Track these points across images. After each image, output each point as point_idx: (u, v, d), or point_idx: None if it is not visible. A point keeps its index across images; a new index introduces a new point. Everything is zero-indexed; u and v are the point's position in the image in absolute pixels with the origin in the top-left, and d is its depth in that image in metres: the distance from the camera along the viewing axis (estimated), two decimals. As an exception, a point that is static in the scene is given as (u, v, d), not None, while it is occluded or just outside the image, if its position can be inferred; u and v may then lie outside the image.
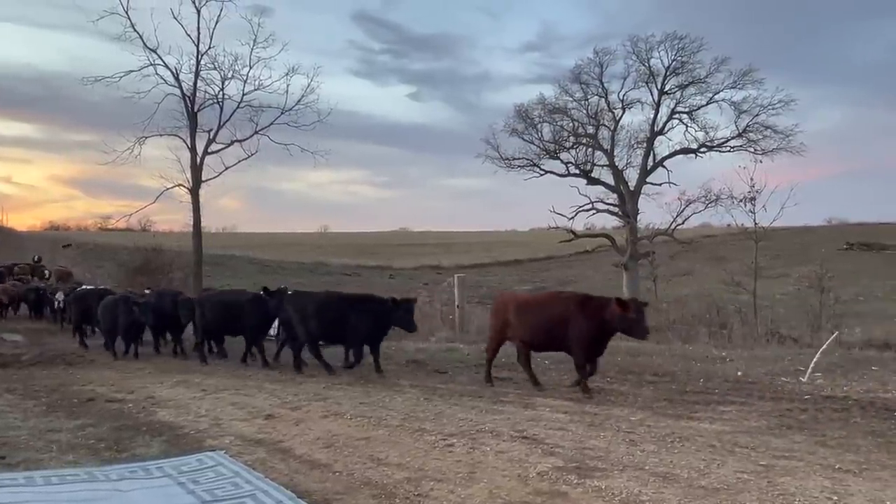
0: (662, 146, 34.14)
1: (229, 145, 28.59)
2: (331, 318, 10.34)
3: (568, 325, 8.34)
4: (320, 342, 10.75)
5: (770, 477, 4.80)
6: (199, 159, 28.08)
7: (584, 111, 34.42)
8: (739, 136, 32.59)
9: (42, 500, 4.46)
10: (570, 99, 34.51)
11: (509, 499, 4.44)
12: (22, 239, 50.90)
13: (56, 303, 17.84)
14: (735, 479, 4.76)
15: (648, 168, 33.61)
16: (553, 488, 4.63)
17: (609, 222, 37.76)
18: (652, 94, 33.75)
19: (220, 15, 27.56)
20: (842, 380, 8.95)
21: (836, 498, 4.35)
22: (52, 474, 5.04)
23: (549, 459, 5.31)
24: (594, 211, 34.20)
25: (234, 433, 6.47)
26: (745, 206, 23.80)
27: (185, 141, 28.09)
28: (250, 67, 28.12)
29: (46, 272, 28.78)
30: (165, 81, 27.47)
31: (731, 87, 32.34)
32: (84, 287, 18.19)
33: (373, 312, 10.10)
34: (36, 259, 32.54)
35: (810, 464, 5.15)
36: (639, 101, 34.05)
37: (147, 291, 15.88)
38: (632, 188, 33.27)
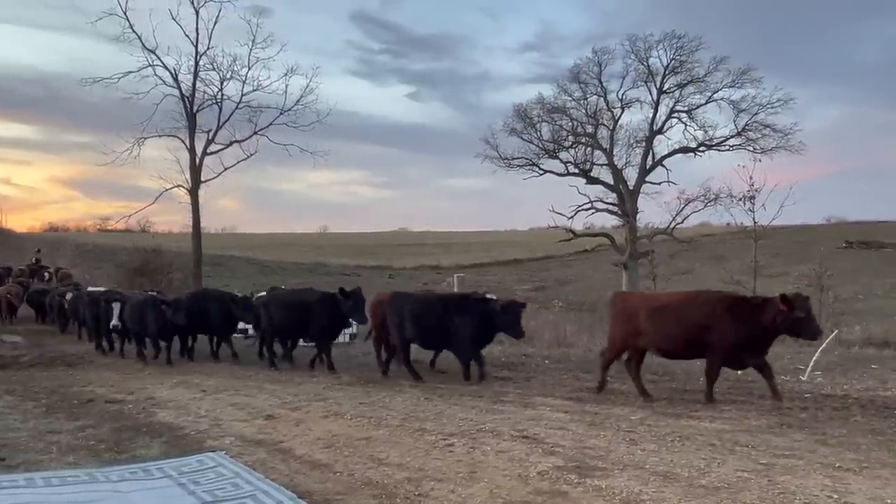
0: (661, 145, 34.16)
1: (228, 146, 28.67)
2: (432, 321, 9.68)
3: (710, 331, 7.43)
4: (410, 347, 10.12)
5: (770, 475, 4.80)
6: (198, 160, 28.12)
7: (583, 110, 34.42)
8: (738, 134, 32.58)
9: (42, 502, 4.46)
10: (569, 98, 34.51)
11: (510, 498, 4.44)
12: (21, 240, 50.81)
13: (65, 304, 17.42)
14: (735, 477, 4.76)
15: (648, 167, 33.59)
16: (553, 488, 4.63)
17: (608, 221, 37.77)
18: (651, 94, 33.75)
19: (218, 16, 27.68)
20: (841, 378, 8.97)
21: (836, 496, 4.35)
22: (52, 475, 5.04)
23: (550, 459, 5.31)
24: (593, 210, 34.20)
25: (234, 434, 6.47)
26: (745, 204, 23.86)
27: (184, 142, 28.16)
28: (249, 68, 28.25)
29: (46, 274, 28.72)
30: (164, 82, 27.56)
31: (730, 86, 32.34)
32: (97, 289, 17.60)
33: (478, 315, 9.38)
34: (34, 259, 32.46)
35: (810, 462, 5.15)
36: (638, 101, 34.06)
37: (152, 292, 15.60)
38: (631, 187, 33.26)
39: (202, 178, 28.23)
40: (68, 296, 17.43)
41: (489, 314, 9.33)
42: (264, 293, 13.42)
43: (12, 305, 21.02)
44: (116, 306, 12.27)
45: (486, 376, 9.43)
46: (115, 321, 12.19)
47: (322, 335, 10.98)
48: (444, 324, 9.56)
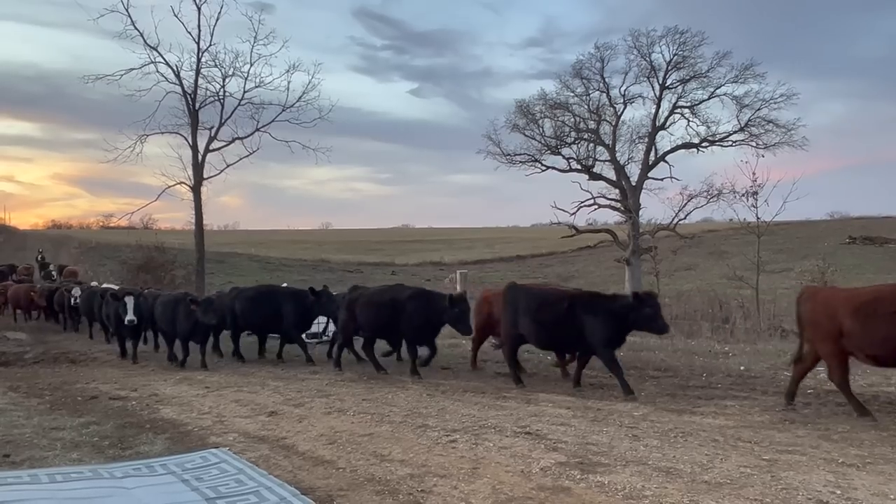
0: (664, 141, 34.04)
1: (230, 143, 28.63)
2: (553, 318, 8.52)
3: None
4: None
5: (773, 471, 4.80)
6: (200, 157, 28.10)
7: (586, 106, 34.30)
8: (741, 130, 32.44)
9: (47, 498, 4.47)
10: (572, 94, 34.38)
11: (512, 494, 4.45)
12: (24, 238, 50.95)
13: (72, 299, 16.72)
14: (738, 473, 4.76)
15: (650, 163, 33.49)
16: (556, 484, 4.64)
17: (611, 217, 37.55)
18: (653, 89, 33.61)
19: (220, 12, 27.61)
20: (845, 374, 8.94)
21: (839, 492, 4.35)
22: (56, 472, 5.05)
23: (552, 455, 5.31)
24: (596, 206, 34.09)
25: (237, 430, 6.48)
26: (748, 200, 23.67)
27: (186, 138, 28.13)
28: (251, 64, 28.17)
29: (54, 273, 28.75)
30: (166, 79, 27.52)
31: (733, 82, 32.18)
32: (109, 286, 16.99)
33: (610, 313, 8.23)
34: (40, 258, 32.55)
35: (813, 458, 5.15)
36: (640, 96, 33.94)
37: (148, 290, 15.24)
38: (633, 183, 33.17)
39: (204, 175, 28.21)
40: (76, 291, 16.81)
41: (624, 311, 8.12)
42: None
43: (34, 304, 19.99)
44: (130, 300, 11.62)
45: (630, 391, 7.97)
46: (130, 316, 11.52)
47: (416, 336, 9.79)
48: (573, 323, 8.31)
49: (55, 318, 19.22)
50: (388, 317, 9.82)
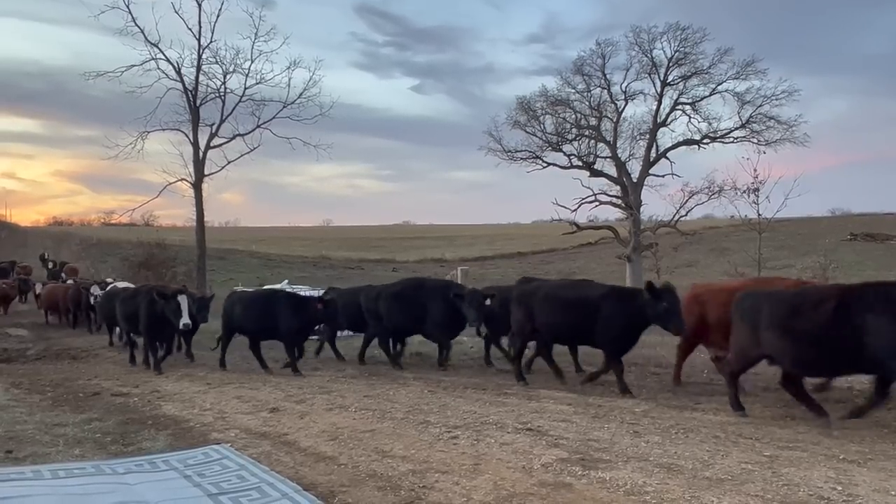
0: (665, 137, 33.96)
1: (231, 139, 28.61)
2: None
3: None
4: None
5: (774, 467, 4.80)
6: (201, 153, 28.10)
7: (587, 103, 34.24)
8: (742, 127, 32.37)
9: (49, 494, 4.48)
10: (573, 91, 34.31)
11: (514, 490, 4.45)
12: (25, 234, 50.98)
13: (92, 298, 16.01)
14: (739, 469, 4.77)
15: (651, 160, 33.44)
16: (557, 480, 4.64)
17: (612, 214, 37.49)
18: (654, 86, 33.53)
19: (221, 8, 27.56)
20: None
21: (840, 488, 4.36)
22: (59, 468, 5.06)
23: (554, 451, 5.31)
24: (597, 203, 34.06)
25: (239, 426, 6.49)
26: (749, 197, 23.70)
27: (187, 135, 28.13)
28: (252, 61, 28.15)
29: (63, 274, 28.67)
30: (167, 76, 27.51)
31: (734, 78, 32.08)
32: (125, 284, 15.65)
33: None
34: (47, 256, 32.50)
35: (814, 454, 5.15)
36: (641, 93, 33.85)
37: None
38: (635, 180, 33.13)
39: (205, 172, 28.21)
40: (95, 289, 15.91)
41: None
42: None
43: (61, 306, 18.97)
44: (184, 300, 10.15)
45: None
46: (185, 319, 10.04)
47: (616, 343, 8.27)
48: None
49: (75, 319, 18.32)
50: (579, 317, 8.19)
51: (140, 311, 10.65)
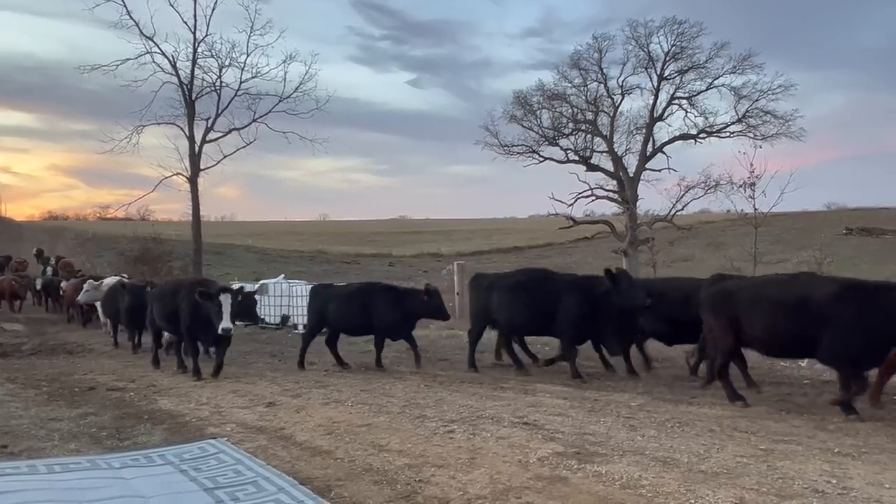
0: (662, 132, 33.93)
1: (227, 133, 28.44)
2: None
3: None
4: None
5: (769, 461, 4.82)
6: (197, 148, 27.95)
7: (584, 97, 34.18)
8: (739, 121, 32.38)
9: (45, 489, 4.48)
10: (569, 85, 34.24)
11: (510, 484, 4.46)
12: (20, 229, 50.79)
13: (84, 293, 15.05)
14: (735, 462, 4.78)
15: (648, 154, 33.44)
16: (553, 473, 4.65)
17: (608, 209, 37.57)
18: (651, 80, 33.48)
19: (216, 1, 27.34)
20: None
21: (834, 481, 4.37)
22: (54, 462, 5.06)
23: (550, 445, 5.33)
24: (593, 197, 34.04)
25: (235, 421, 6.49)
26: (745, 191, 23.64)
27: (182, 129, 27.94)
28: (248, 55, 27.89)
29: (59, 271, 28.56)
30: (162, 69, 27.27)
31: (731, 73, 32.04)
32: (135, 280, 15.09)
33: None
34: (46, 255, 32.37)
35: (809, 447, 5.18)
36: (638, 87, 33.80)
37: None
38: (631, 174, 33.12)
39: (201, 166, 28.04)
40: (87, 284, 15.15)
41: None
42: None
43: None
44: (227, 300, 8.75)
45: None
46: (226, 323, 8.70)
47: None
48: None
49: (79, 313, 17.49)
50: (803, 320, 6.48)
51: (181, 310, 9.35)
